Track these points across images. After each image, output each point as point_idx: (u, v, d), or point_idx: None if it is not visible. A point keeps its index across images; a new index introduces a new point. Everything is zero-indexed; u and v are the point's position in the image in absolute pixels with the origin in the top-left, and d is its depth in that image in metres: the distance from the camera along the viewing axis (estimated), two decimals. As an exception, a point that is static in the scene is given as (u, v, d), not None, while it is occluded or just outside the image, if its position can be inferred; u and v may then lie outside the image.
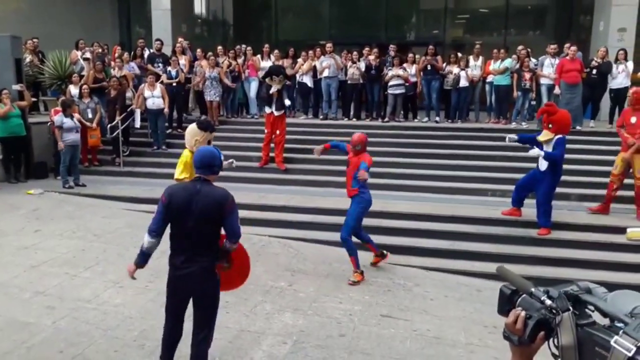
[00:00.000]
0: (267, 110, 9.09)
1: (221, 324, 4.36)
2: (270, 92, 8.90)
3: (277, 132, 9.02)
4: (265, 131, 9.15)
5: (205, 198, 3.12)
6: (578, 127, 9.63)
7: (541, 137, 6.54)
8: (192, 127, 4.84)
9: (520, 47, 10.31)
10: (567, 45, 9.98)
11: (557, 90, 9.66)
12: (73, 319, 4.38)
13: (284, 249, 6.43)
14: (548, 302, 1.17)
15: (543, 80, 10.02)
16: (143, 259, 3.27)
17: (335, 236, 6.01)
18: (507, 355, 4.18)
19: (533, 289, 1.22)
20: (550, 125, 6.48)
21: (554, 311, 1.15)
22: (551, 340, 1.17)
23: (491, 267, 6.20)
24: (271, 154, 9.23)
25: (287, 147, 9.31)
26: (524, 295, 1.23)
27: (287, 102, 9.40)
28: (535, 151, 6.44)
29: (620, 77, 9.69)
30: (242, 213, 7.36)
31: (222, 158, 3.38)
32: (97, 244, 6.19)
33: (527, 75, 9.85)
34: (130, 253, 5.88)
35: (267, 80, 9.12)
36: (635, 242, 6.45)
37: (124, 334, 4.17)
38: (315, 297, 5.11)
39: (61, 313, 4.45)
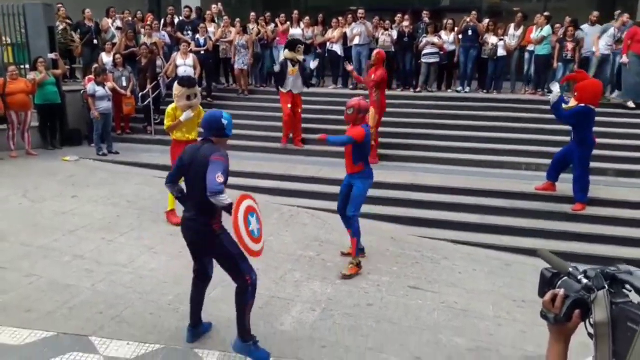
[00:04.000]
0: (285, 89, 8.57)
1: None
2: (295, 60, 8.43)
3: (299, 110, 8.68)
4: (285, 112, 8.58)
5: (201, 154, 3.32)
6: None
7: (567, 106, 6.36)
8: (175, 84, 5.75)
9: (568, 19, 9.88)
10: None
11: (624, 60, 9.09)
12: (111, 282, 4.54)
13: (313, 220, 6.48)
14: (585, 280, 1.20)
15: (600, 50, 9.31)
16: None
17: (363, 208, 6.01)
18: (535, 329, 4.15)
19: (571, 269, 1.25)
20: (575, 93, 6.28)
21: (589, 290, 1.17)
22: (587, 320, 1.18)
23: (522, 242, 6.14)
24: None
25: (317, 117, 9.25)
26: (564, 278, 1.26)
27: (314, 63, 8.98)
28: (554, 93, 6.35)
29: None
30: (272, 184, 7.52)
31: (225, 123, 3.42)
32: (132, 211, 6.36)
33: (570, 46, 9.45)
34: (164, 219, 6.06)
35: (286, 52, 8.63)
36: None
37: (159, 298, 4.31)
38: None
39: (99, 276, 4.63)
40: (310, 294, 4.55)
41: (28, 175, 7.61)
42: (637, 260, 5.67)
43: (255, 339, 3.50)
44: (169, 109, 5.77)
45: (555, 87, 6.46)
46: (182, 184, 3.59)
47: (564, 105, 6.37)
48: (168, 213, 6.08)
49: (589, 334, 1.17)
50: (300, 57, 8.52)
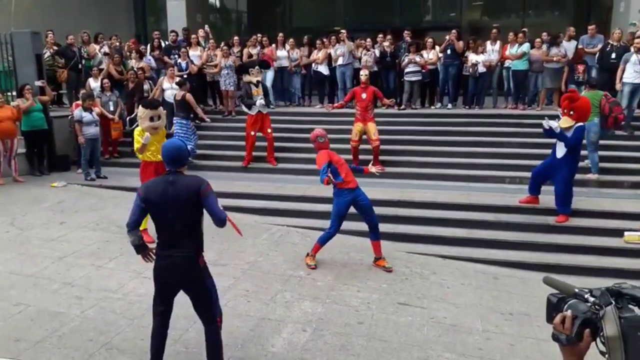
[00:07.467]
0: (254, 110, 8.67)
1: (242, 312, 4.51)
2: (254, 82, 8.66)
3: (269, 130, 8.78)
4: (250, 133, 8.72)
5: (181, 186, 3.21)
6: None
7: (562, 124, 6.50)
8: (139, 106, 5.97)
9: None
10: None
11: None
12: (100, 308, 4.54)
13: (302, 239, 6.52)
14: (591, 299, 1.26)
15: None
16: (139, 249, 3.44)
17: (353, 225, 6.09)
18: (523, 342, 4.23)
19: (577, 289, 1.31)
20: (571, 112, 6.45)
21: (597, 307, 1.24)
22: (598, 339, 1.24)
23: (509, 255, 6.23)
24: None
25: (304, 136, 9.34)
26: (570, 302, 1.31)
27: (261, 101, 8.69)
28: (552, 122, 6.43)
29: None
30: (261, 203, 7.56)
31: (190, 146, 3.47)
32: (120, 236, 6.32)
33: (581, 68, 9.38)
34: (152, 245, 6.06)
35: (244, 76, 8.94)
36: (633, 245, 6.22)
37: (149, 323, 4.26)
38: (333, 285, 5.20)
39: (89, 303, 4.62)
40: (301, 314, 4.58)
41: (16, 203, 7.58)
42: (620, 270, 5.79)
43: None
44: (136, 132, 5.93)
45: (553, 123, 6.54)
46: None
47: (555, 124, 6.49)
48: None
49: (601, 352, 1.23)
50: (255, 79, 8.71)
